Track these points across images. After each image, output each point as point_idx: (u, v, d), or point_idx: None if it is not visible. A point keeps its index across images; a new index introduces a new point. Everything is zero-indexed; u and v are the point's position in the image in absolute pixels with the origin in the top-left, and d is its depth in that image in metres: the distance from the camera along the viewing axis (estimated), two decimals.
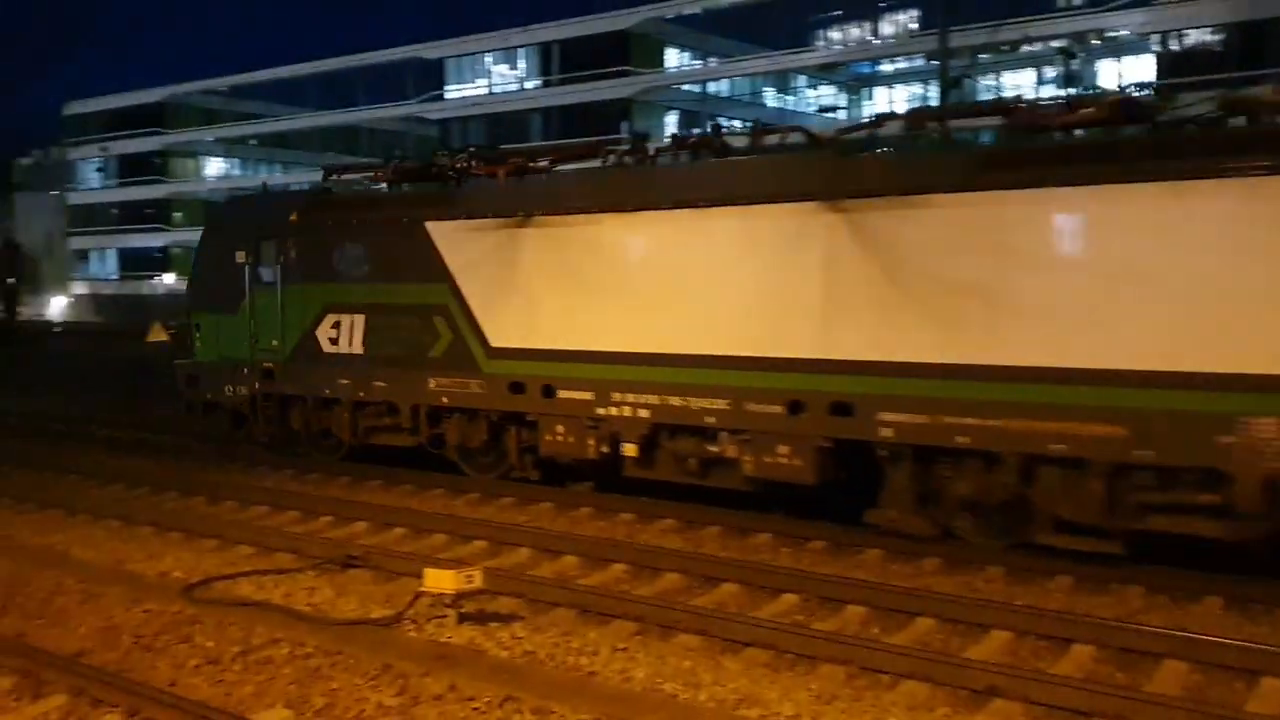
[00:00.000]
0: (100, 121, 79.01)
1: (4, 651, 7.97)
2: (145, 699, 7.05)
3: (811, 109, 62.05)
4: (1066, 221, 9.81)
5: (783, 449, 11.40)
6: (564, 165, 14.67)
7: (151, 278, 74.31)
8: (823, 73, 60.65)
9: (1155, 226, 9.35)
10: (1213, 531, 9.38)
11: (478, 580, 8.56)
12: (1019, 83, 50.73)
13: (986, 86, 50.19)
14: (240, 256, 16.26)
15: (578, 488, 13.89)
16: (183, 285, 14.89)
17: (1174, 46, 40.35)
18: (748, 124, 57.78)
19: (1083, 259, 9.70)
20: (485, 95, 62.95)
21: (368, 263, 14.92)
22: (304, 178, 57.32)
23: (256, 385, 16.17)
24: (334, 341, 15.33)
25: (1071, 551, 10.06)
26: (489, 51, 62.76)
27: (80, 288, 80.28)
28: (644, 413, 12.34)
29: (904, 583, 9.80)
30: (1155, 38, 41.07)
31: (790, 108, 60.89)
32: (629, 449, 12.56)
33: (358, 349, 15.05)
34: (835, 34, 57.86)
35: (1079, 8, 43.94)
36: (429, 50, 64.20)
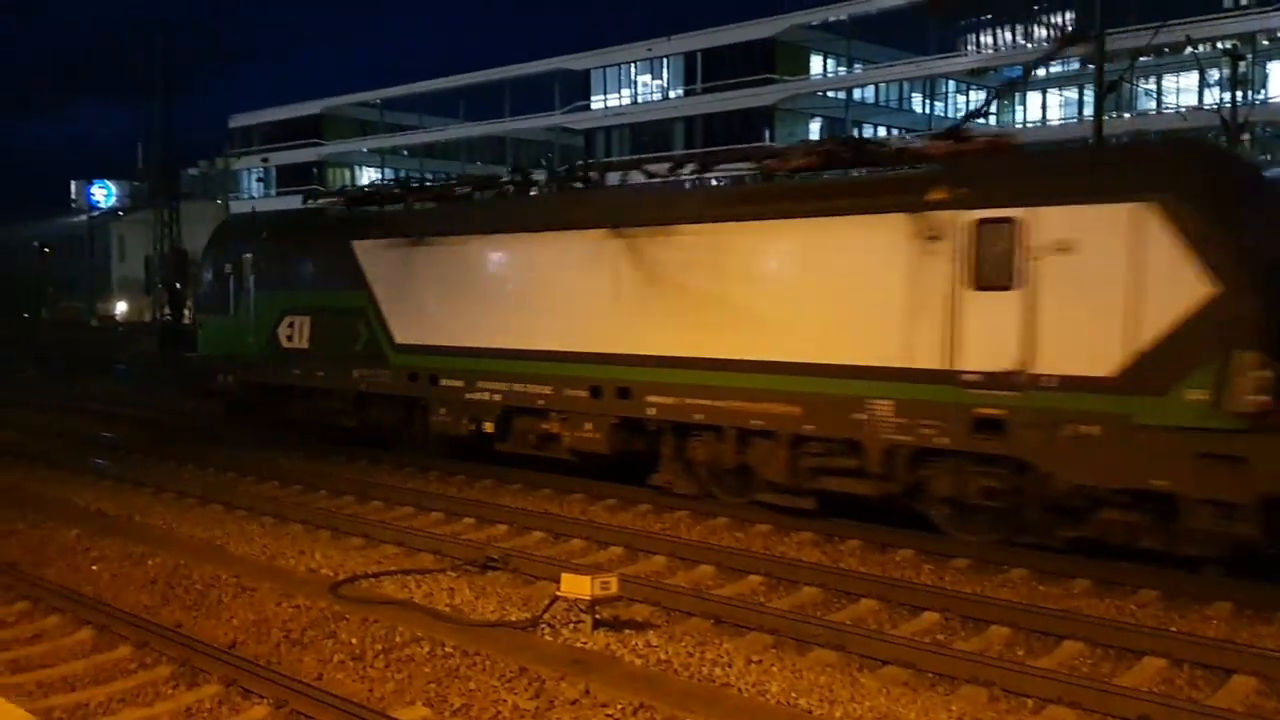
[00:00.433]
0: (262, 133, 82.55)
1: (164, 640, 8.34)
2: (293, 692, 7.27)
3: (961, 115, 60.80)
4: (756, 248, 12.74)
5: (588, 425, 14.39)
6: (480, 193, 17.60)
7: None
8: (972, 77, 59.29)
9: (812, 253, 12.30)
10: (860, 489, 11.96)
11: (614, 587, 8.59)
12: (1181, 86, 48.71)
13: (1146, 91, 48.30)
14: (228, 268, 19.64)
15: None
16: None
17: None
18: (896, 130, 56.83)
19: (769, 277, 12.65)
20: (629, 105, 63.48)
21: (313, 273, 18.17)
22: None
23: (240, 375, 19.44)
24: (289, 339, 18.50)
25: (1228, 578, 9.87)
26: (634, 62, 63.28)
27: None
28: (498, 397, 15.35)
29: (1051, 604, 9.46)
30: None
31: (939, 113, 59.65)
32: (488, 427, 15.58)
33: (305, 345, 18.22)
34: (986, 38, 56.52)
35: (1246, 8, 41.93)
36: (575, 62, 65.11)
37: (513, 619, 8.91)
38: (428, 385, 16.23)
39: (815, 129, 60.49)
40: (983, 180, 11.18)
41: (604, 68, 64.37)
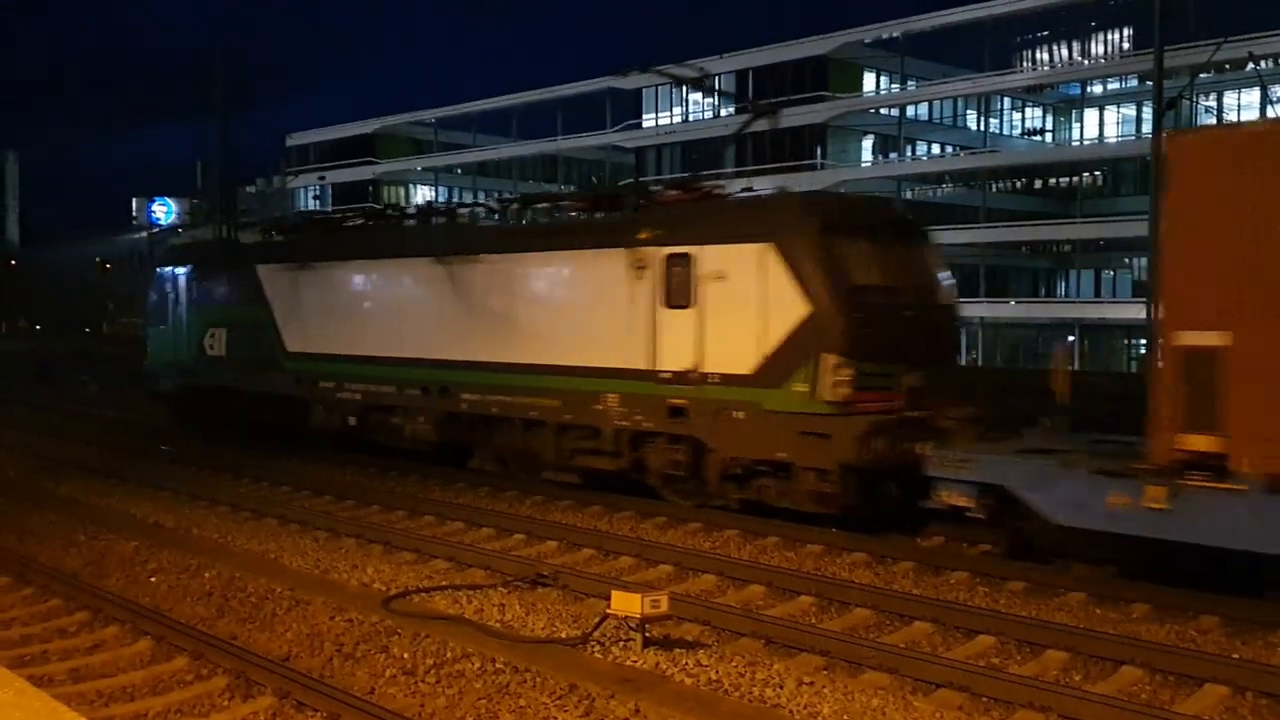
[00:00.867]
0: (319, 152, 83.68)
1: (220, 652, 8.43)
2: (346, 706, 7.32)
3: (1016, 132, 60.20)
4: (530, 274, 15.98)
5: (421, 419, 17.40)
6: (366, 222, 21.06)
7: None
8: (1028, 95, 58.75)
9: (566, 279, 15.61)
10: (602, 465, 15.07)
11: (664, 605, 8.56)
12: (1243, 103, 47.94)
13: (1206, 108, 47.59)
14: (168, 287, 23.28)
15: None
16: None
17: None
18: (950, 148, 56.44)
19: (538, 297, 15.89)
20: (680, 123, 63.57)
21: (229, 292, 21.58)
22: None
23: (176, 380, 23.06)
24: (212, 348, 21.93)
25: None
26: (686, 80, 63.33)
27: None
28: (359, 396, 18.42)
29: (1109, 628, 9.30)
30: None
31: (993, 130, 59.17)
32: (352, 421, 18.72)
33: (223, 353, 21.63)
34: (1043, 54, 56.01)
35: None
36: (627, 81, 65.33)
37: (563, 636, 8.92)
38: (310, 387, 19.41)
39: (868, 146, 60.23)
40: (672, 224, 14.39)
41: (655, 86, 64.53)
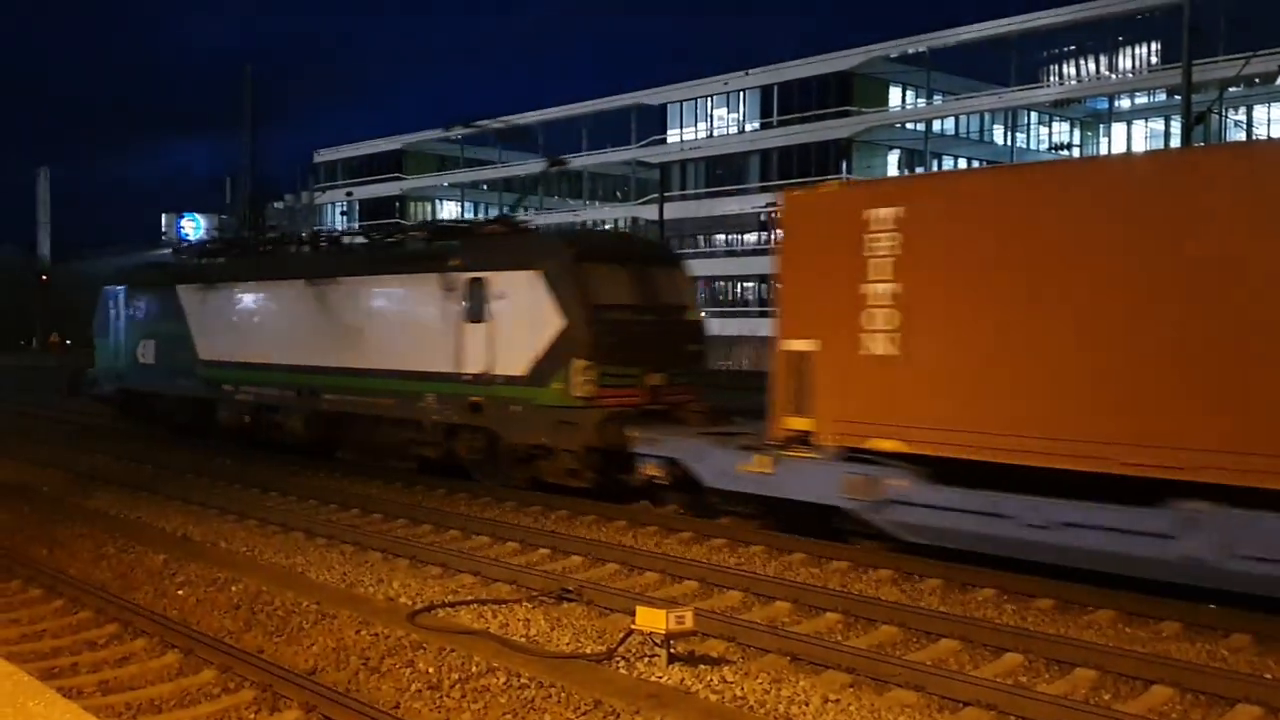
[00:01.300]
0: (346, 168, 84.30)
1: (247, 665, 8.48)
2: None
3: (1043, 147, 59.97)
4: (372, 294, 19.19)
5: (296, 418, 20.61)
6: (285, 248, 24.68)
7: None
8: (1055, 109, 58.52)
9: (397, 298, 18.77)
10: (428, 453, 18.05)
11: (689, 621, 8.55)
12: (1273, 117, 47.59)
13: (1235, 122, 47.26)
14: (110, 303, 26.53)
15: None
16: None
17: None
18: (977, 162, 56.26)
19: (377, 313, 19.03)
20: (705, 139, 63.66)
21: (157, 308, 24.78)
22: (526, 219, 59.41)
23: (116, 384, 26.26)
24: (144, 357, 25.09)
25: None
26: (710, 96, 63.47)
27: None
28: (251, 398, 21.66)
29: (1139, 647, 9.21)
30: None
31: (1020, 145, 58.94)
32: (247, 419, 21.96)
33: (153, 361, 24.78)
34: (1070, 69, 55.77)
35: None
36: (652, 96, 65.54)
37: (588, 651, 8.91)
38: (216, 389, 22.61)
39: (893, 161, 60.14)
40: (475, 254, 17.45)
41: (680, 102, 64.71)
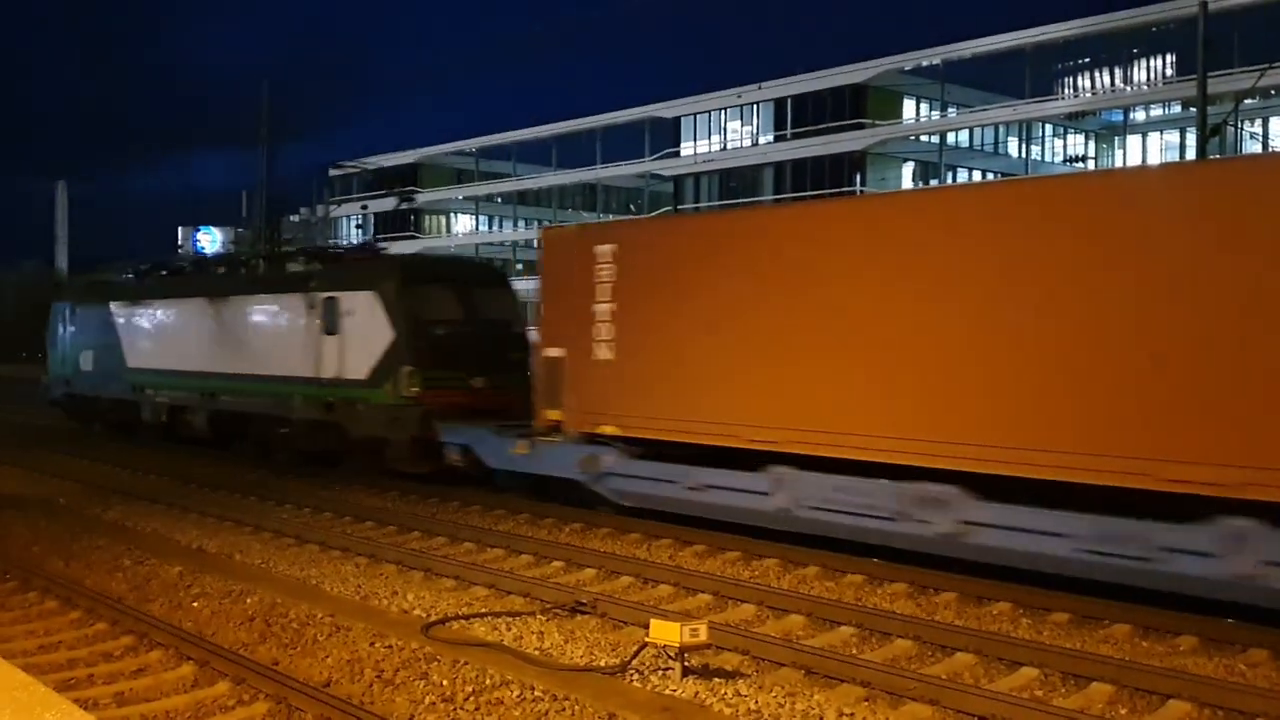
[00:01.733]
0: (362, 182, 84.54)
1: (261, 678, 8.49)
2: None
3: (1058, 159, 59.81)
4: (252, 310, 22.45)
5: (201, 416, 23.82)
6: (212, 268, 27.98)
7: None
8: (1070, 121, 58.37)
9: (271, 313, 21.88)
10: (299, 445, 21.07)
11: (703, 634, 8.53)
12: None
13: (1251, 134, 47.09)
14: (58, 316, 30.47)
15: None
16: None
17: None
18: (991, 174, 56.19)
19: (255, 326, 22.32)
20: (718, 152, 63.71)
21: (95, 321, 28.34)
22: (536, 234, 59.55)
23: (64, 390, 29.98)
24: (85, 364, 28.84)
25: None
26: (724, 108, 63.54)
27: None
28: (167, 400, 25.10)
29: (1156, 661, 9.15)
30: None
31: (1035, 158, 58.78)
32: (164, 418, 25.17)
33: (91, 369, 28.47)
34: (1084, 81, 55.64)
35: None
36: (665, 109, 65.65)
37: (601, 664, 8.90)
38: (140, 392, 26.08)
39: (907, 173, 60.08)
40: (332, 276, 20.79)
41: (694, 114, 64.79)
